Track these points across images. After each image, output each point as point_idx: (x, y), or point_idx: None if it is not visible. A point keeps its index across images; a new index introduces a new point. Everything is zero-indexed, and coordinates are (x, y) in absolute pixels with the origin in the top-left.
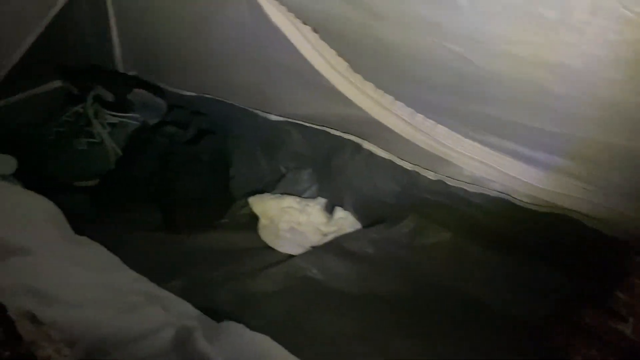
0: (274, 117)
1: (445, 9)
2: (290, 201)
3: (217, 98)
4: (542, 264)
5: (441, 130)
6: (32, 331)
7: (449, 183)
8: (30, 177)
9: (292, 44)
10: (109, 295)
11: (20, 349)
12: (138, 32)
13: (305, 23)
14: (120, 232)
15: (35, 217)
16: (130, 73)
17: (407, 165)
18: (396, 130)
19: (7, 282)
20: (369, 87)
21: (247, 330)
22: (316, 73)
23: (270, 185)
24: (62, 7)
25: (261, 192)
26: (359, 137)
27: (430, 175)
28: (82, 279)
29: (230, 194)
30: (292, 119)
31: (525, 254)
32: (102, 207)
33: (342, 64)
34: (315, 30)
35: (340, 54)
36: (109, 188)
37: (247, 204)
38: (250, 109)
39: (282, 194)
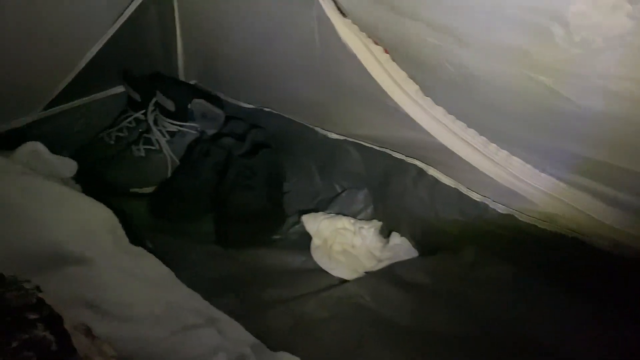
0: (334, 135)
1: (538, 37)
2: (344, 222)
3: (275, 112)
4: (623, 316)
5: (516, 163)
6: (87, 345)
7: (520, 218)
8: (88, 181)
9: (360, 63)
10: (163, 312)
11: None
12: (202, 42)
13: (377, 43)
14: (173, 243)
15: (93, 225)
16: (191, 82)
17: (475, 196)
18: (466, 158)
19: (65, 293)
20: (439, 111)
21: None
22: (383, 94)
23: (324, 204)
24: (131, 15)
25: (314, 210)
26: (424, 162)
27: (500, 209)
28: (137, 292)
29: (283, 210)
30: (353, 138)
31: (602, 302)
32: (157, 215)
33: (412, 86)
34: (386, 51)
35: (412, 76)
36: (164, 197)
37: (299, 221)
38: (310, 125)
39: (335, 213)
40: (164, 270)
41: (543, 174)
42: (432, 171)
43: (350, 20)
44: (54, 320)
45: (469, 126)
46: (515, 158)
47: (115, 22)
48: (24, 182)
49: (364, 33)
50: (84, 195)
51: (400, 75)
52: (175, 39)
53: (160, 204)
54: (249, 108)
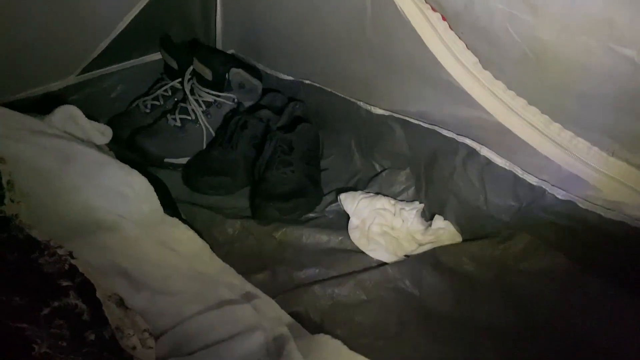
0: (378, 111)
1: (626, 4)
2: (384, 202)
3: (316, 85)
4: None
5: (581, 145)
6: (119, 316)
7: (582, 205)
8: (122, 149)
9: (414, 31)
10: (197, 286)
11: (105, 332)
12: (242, 10)
13: (434, 9)
14: (209, 216)
15: (129, 192)
16: (229, 52)
17: (532, 180)
18: (524, 138)
19: (98, 261)
20: (499, 86)
21: (345, 348)
22: (437, 65)
23: (363, 183)
24: None
25: (352, 189)
26: (476, 142)
27: (560, 194)
28: (172, 264)
29: (321, 188)
30: (399, 114)
31: None
32: (191, 188)
33: (470, 58)
34: (444, 18)
35: (471, 47)
36: (199, 168)
37: (337, 200)
38: (353, 100)
39: (375, 193)
40: (200, 243)
41: (612, 158)
42: (485, 151)
43: None
44: (86, 289)
45: (530, 103)
46: (580, 139)
47: None
48: (59, 146)
49: None
50: (119, 162)
51: (458, 45)
52: (215, 6)
53: (195, 175)
54: (288, 80)
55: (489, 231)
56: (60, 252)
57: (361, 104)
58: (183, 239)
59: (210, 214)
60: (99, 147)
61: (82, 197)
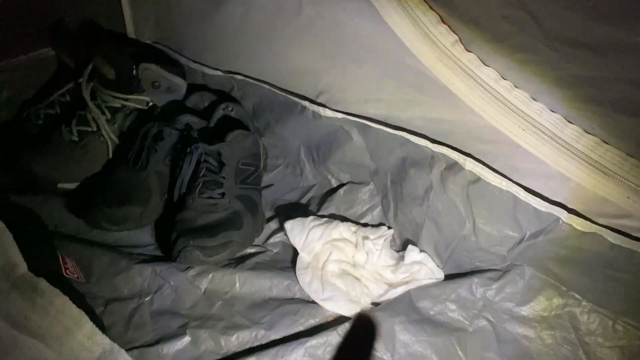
0: (329, 113)
1: None
2: (342, 230)
3: (252, 80)
4: None
5: (611, 155)
6: None
7: (613, 240)
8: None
9: (370, 5)
10: None
11: None
12: None
13: None
14: (111, 260)
15: None
16: (145, 41)
17: (540, 205)
18: (527, 146)
19: None
20: (488, 74)
21: None
22: (403, 49)
23: (316, 202)
24: None
25: (302, 209)
26: (459, 152)
27: (581, 225)
28: None
29: (261, 213)
30: (356, 116)
31: None
32: (88, 222)
33: (447, 37)
34: None
35: (449, 21)
36: (98, 196)
37: (282, 228)
38: (298, 99)
39: (330, 215)
40: (74, 314)
41: None
42: (471, 164)
43: None
44: None
45: (534, 97)
46: (607, 146)
47: None
48: None
49: None
50: None
51: (430, 19)
52: None
53: (93, 206)
54: (216, 75)
55: (479, 265)
56: None
57: (307, 103)
58: (50, 312)
59: (112, 258)
60: None
61: None
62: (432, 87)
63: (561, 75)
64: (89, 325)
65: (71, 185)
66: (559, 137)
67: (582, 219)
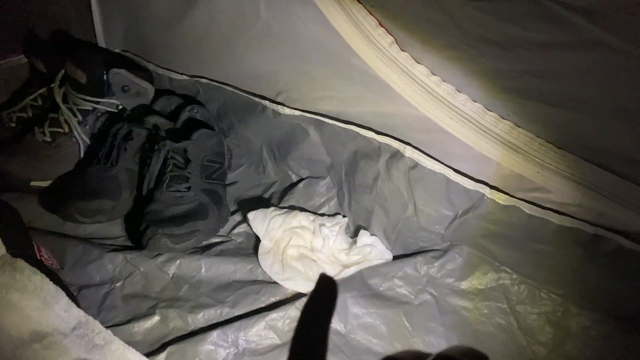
0: (287, 111)
1: None
2: (301, 219)
3: (215, 83)
4: None
5: (523, 137)
6: None
7: (528, 211)
8: None
9: (317, 9)
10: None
11: None
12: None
13: None
14: (82, 251)
15: None
16: (115, 50)
17: (467, 183)
18: (455, 132)
19: None
20: (420, 71)
21: None
22: (347, 50)
23: (277, 197)
24: None
25: (265, 203)
26: (400, 141)
27: (501, 199)
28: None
29: (226, 206)
30: (311, 113)
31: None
32: (61, 215)
33: (384, 38)
34: None
35: (385, 23)
36: (70, 191)
37: (245, 219)
38: (258, 99)
39: (290, 207)
40: (51, 290)
41: (560, 150)
42: (410, 152)
43: None
44: None
45: (460, 89)
46: (521, 131)
47: None
48: None
49: None
50: None
51: (370, 22)
52: None
53: (65, 200)
54: (182, 80)
55: (423, 246)
56: None
57: (267, 103)
58: (27, 288)
59: (85, 248)
60: None
61: None
62: (375, 84)
63: (479, 69)
64: (65, 300)
65: (44, 184)
66: (480, 124)
67: (502, 194)
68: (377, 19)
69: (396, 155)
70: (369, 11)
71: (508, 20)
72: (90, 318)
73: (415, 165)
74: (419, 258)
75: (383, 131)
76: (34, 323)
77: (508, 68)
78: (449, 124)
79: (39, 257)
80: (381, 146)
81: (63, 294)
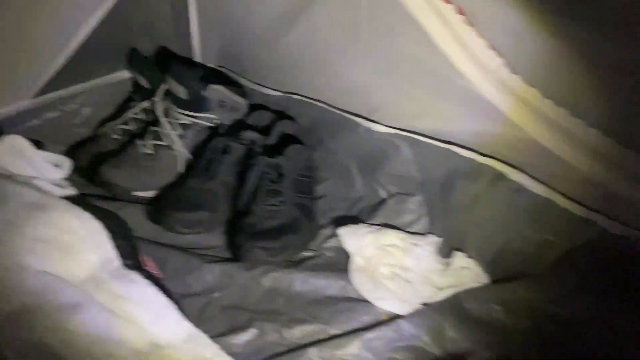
0: (381, 129)
1: None
2: (392, 237)
3: (308, 99)
4: None
5: None
6: None
7: None
8: (85, 182)
9: (421, 29)
10: None
11: None
12: (220, 15)
13: (447, 0)
14: (183, 260)
15: (70, 240)
16: (209, 65)
17: (579, 211)
18: (567, 158)
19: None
20: (532, 94)
21: None
22: (452, 70)
23: (365, 212)
24: None
25: (353, 219)
26: (504, 163)
27: (617, 230)
28: (121, 337)
29: (316, 220)
30: (406, 131)
31: None
32: (163, 225)
33: (494, 60)
34: (461, 12)
35: (496, 45)
36: (171, 202)
37: (335, 234)
38: (350, 116)
39: (380, 225)
40: (163, 303)
41: None
42: (515, 175)
43: None
44: None
45: (574, 115)
46: None
47: None
48: None
49: None
50: (66, 202)
51: (478, 44)
52: (187, 11)
53: (166, 211)
54: (275, 95)
55: (523, 270)
56: None
57: (360, 120)
58: (142, 301)
59: (185, 258)
60: (54, 183)
61: (5, 254)
62: (480, 105)
63: (602, 94)
64: (175, 313)
65: (145, 194)
66: (599, 151)
67: (619, 224)
68: (487, 41)
69: (499, 177)
70: (478, 33)
71: None
72: (200, 331)
73: (521, 188)
74: (519, 283)
75: (484, 151)
76: (150, 335)
77: None
78: (561, 149)
79: (145, 267)
80: (482, 167)
81: (174, 307)
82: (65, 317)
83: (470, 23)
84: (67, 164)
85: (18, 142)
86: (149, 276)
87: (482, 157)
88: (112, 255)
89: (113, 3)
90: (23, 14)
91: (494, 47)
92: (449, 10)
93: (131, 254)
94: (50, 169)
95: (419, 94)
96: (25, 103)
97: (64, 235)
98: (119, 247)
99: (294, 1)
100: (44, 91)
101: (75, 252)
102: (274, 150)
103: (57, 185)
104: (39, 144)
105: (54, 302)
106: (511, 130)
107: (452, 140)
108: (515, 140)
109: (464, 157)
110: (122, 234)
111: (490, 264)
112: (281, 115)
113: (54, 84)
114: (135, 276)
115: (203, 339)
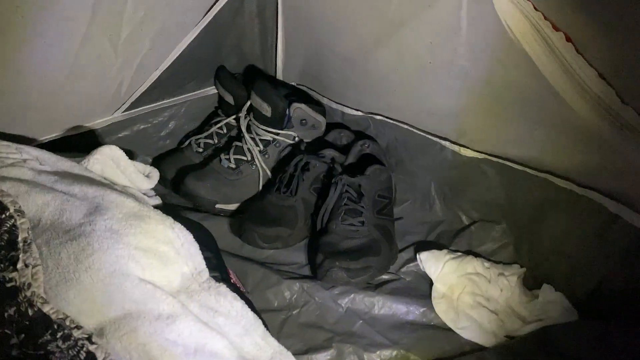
0: (469, 153)
1: None
2: (476, 265)
3: (390, 120)
4: None
5: None
6: None
7: None
8: (170, 193)
9: (525, 54)
10: None
11: None
12: (305, 36)
13: (556, 28)
14: (263, 275)
15: (166, 250)
16: (291, 83)
17: None
18: None
19: (123, 347)
20: None
21: None
22: (556, 99)
23: (446, 237)
24: (227, 3)
25: (433, 243)
26: (606, 197)
27: None
28: (214, 350)
29: (395, 243)
30: (497, 157)
31: None
32: (244, 238)
33: (606, 92)
34: (569, 39)
35: (606, 75)
36: (252, 217)
37: (415, 257)
38: (435, 139)
39: (461, 250)
40: (250, 318)
41: None
42: (614, 207)
43: None
44: None
45: None
46: None
47: (209, 10)
48: (90, 194)
49: (539, 12)
50: (160, 213)
51: (588, 73)
52: (275, 33)
53: (248, 225)
54: (356, 115)
55: (619, 309)
56: (76, 334)
57: (447, 143)
58: (230, 314)
59: (265, 273)
60: (136, 194)
61: (109, 262)
62: (587, 136)
63: None
64: (262, 328)
65: (227, 206)
66: None
67: None
68: (597, 71)
69: (597, 209)
70: (588, 63)
71: None
72: (284, 349)
73: (620, 222)
74: (619, 321)
75: (586, 183)
76: (239, 349)
77: None
78: None
79: (232, 281)
80: (580, 198)
81: (260, 322)
82: (164, 326)
83: (579, 51)
84: (155, 175)
85: (114, 153)
86: (235, 289)
87: (580, 188)
88: (202, 267)
89: (207, 22)
90: (118, 33)
91: (603, 76)
92: (557, 37)
93: (218, 266)
94: (141, 179)
95: (515, 119)
96: (119, 115)
97: (160, 245)
98: (207, 259)
99: (385, 23)
100: (135, 104)
101: (171, 263)
102: (354, 168)
103: (145, 194)
104: (131, 155)
105: (154, 312)
106: (618, 161)
107: (547, 169)
108: (620, 173)
109: (560, 187)
110: (209, 246)
111: (581, 300)
112: (360, 134)
113: (144, 97)
114: (223, 289)
115: (287, 356)
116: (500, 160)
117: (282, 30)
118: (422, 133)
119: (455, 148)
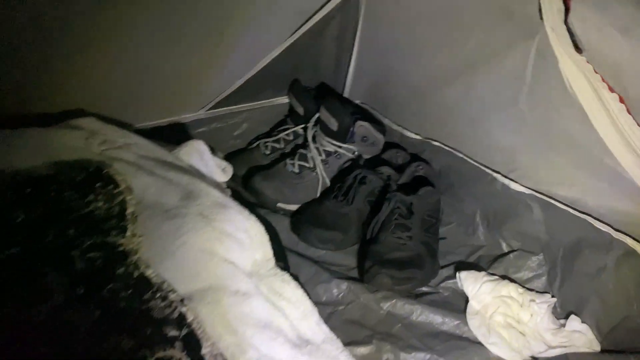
0: (518, 188)
1: None
2: (510, 289)
3: (446, 147)
4: None
5: None
6: None
7: None
8: (237, 186)
9: (581, 110)
10: (305, 358)
11: None
12: (375, 61)
13: (612, 89)
14: (315, 272)
15: (243, 237)
16: (355, 101)
17: None
18: None
19: (207, 313)
20: None
21: None
22: (604, 151)
23: (485, 261)
24: (314, 25)
25: (472, 266)
26: (637, 242)
27: None
28: (278, 326)
29: (437, 260)
30: (543, 194)
31: None
32: (301, 237)
33: None
34: (622, 100)
35: None
36: (311, 219)
37: (454, 275)
38: (488, 170)
39: (498, 275)
40: (308, 306)
41: None
42: None
43: (584, 58)
44: (192, 343)
45: None
46: None
47: (297, 30)
48: (183, 181)
49: (598, 75)
50: (239, 205)
51: (637, 132)
52: (350, 55)
53: (306, 226)
54: (413, 138)
55: (637, 346)
56: (171, 297)
57: (498, 176)
58: (292, 299)
59: (317, 270)
60: (219, 185)
61: (199, 241)
62: (624, 185)
63: None
64: (317, 316)
65: (288, 207)
66: None
67: None
68: None
69: (630, 253)
70: (637, 123)
71: None
72: (334, 336)
73: None
74: (631, 358)
75: (619, 227)
76: (298, 330)
77: None
78: None
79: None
80: (615, 241)
81: (316, 310)
82: (240, 300)
83: (630, 112)
84: (230, 170)
85: (200, 147)
86: (296, 279)
87: (616, 232)
88: (270, 256)
89: (293, 40)
90: (218, 43)
91: None
92: (611, 97)
93: (281, 257)
94: (219, 173)
95: (564, 164)
96: (201, 113)
97: (239, 232)
98: (273, 250)
99: (458, 63)
100: (217, 105)
101: (247, 249)
102: (407, 187)
103: (219, 188)
104: (212, 150)
105: (233, 287)
106: None
107: (587, 210)
108: None
109: (598, 229)
110: (274, 239)
111: (605, 335)
112: (415, 156)
113: (226, 100)
114: (287, 277)
115: (338, 343)
116: (545, 198)
117: (356, 54)
118: (475, 163)
119: (506, 181)
